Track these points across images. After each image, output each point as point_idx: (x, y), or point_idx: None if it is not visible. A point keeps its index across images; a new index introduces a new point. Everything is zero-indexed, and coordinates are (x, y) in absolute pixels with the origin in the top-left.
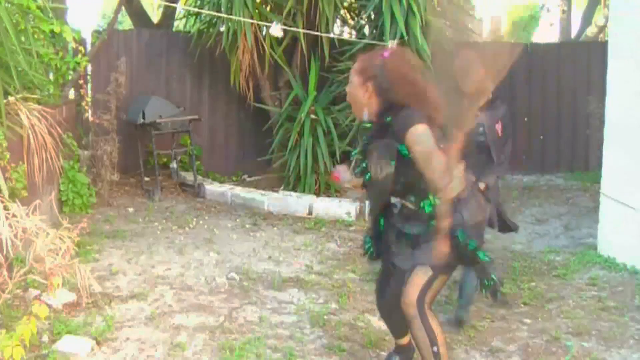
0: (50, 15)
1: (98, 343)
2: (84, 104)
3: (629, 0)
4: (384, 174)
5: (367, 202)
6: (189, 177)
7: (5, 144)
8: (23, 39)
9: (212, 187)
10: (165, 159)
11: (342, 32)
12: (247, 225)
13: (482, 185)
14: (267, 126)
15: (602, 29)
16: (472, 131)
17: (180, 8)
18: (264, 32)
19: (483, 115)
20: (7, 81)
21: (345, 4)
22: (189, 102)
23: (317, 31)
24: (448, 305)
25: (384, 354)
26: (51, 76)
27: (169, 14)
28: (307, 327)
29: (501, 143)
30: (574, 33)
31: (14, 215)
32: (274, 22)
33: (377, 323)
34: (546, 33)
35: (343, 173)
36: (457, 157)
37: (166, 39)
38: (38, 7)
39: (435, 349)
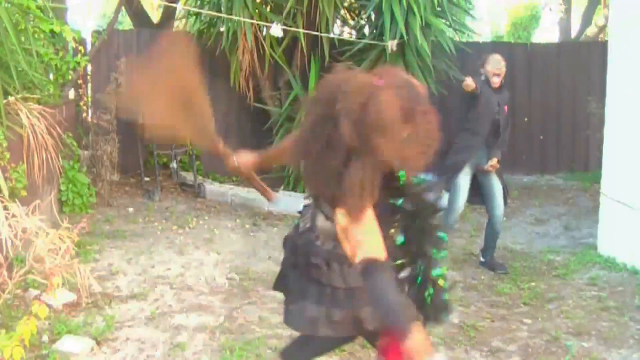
0: (50, 15)
1: (98, 343)
2: (82, 103)
3: (629, 0)
4: None
5: None
6: (189, 177)
7: (5, 144)
8: (23, 39)
9: (212, 187)
10: (165, 159)
11: (342, 32)
12: (247, 225)
13: (494, 161)
14: (267, 126)
15: (602, 29)
16: (491, 109)
17: (180, 8)
18: (264, 32)
19: (497, 96)
20: (7, 81)
21: (345, 4)
22: None
23: (317, 31)
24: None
25: None
26: (51, 76)
27: (169, 14)
28: None
29: (506, 123)
30: (574, 33)
31: (13, 215)
32: (274, 22)
33: None
34: (546, 33)
35: None
36: None
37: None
38: (38, 7)
39: None
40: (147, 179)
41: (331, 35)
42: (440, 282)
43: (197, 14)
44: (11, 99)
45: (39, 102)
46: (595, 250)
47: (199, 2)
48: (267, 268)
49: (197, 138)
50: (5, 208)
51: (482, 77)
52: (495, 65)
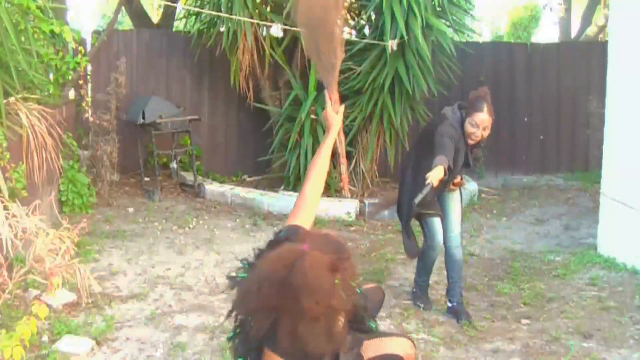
0: (50, 15)
1: (98, 343)
2: (84, 104)
3: (629, 0)
4: None
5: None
6: (189, 177)
7: (5, 144)
8: (23, 39)
9: (212, 187)
10: (165, 159)
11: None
12: (247, 225)
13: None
14: (267, 126)
15: (602, 29)
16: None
17: (180, 8)
18: (264, 32)
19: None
20: (7, 81)
21: (346, 4)
22: (189, 102)
23: None
24: (448, 305)
25: None
26: (51, 76)
27: (169, 14)
28: None
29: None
30: (574, 33)
31: (14, 215)
32: (274, 22)
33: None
34: (546, 33)
35: None
36: None
37: (166, 39)
38: (38, 7)
39: None
40: (147, 179)
41: None
42: None
43: (197, 14)
44: (11, 99)
45: (39, 102)
46: (595, 250)
47: (199, 2)
48: None
49: (323, 74)
50: (5, 208)
51: (458, 117)
52: (472, 129)
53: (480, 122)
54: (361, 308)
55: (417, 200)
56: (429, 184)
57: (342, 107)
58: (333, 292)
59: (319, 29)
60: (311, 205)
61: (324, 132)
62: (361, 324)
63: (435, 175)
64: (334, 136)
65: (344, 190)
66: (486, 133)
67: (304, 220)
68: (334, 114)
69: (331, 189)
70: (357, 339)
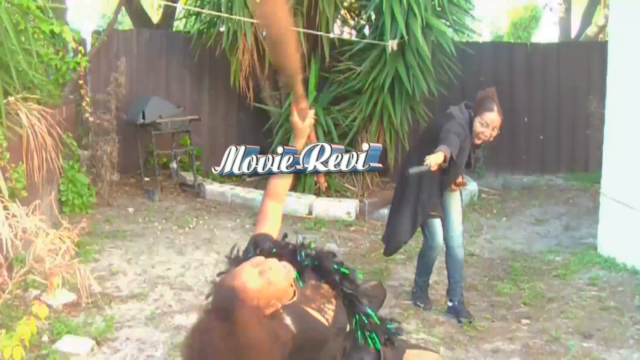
0: (50, 15)
1: (98, 343)
2: (84, 104)
3: (629, 0)
4: None
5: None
6: (189, 177)
7: (5, 144)
8: (23, 39)
9: (212, 187)
10: (165, 159)
11: (342, 32)
12: (247, 225)
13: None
14: (267, 126)
15: (602, 29)
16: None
17: (180, 8)
18: (264, 32)
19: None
20: (7, 81)
21: (345, 4)
22: (189, 102)
23: (317, 31)
24: (449, 304)
25: None
26: (51, 76)
27: (169, 14)
28: None
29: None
30: (574, 33)
31: (14, 215)
32: None
33: None
34: (546, 33)
35: None
36: None
37: (166, 39)
38: (38, 7)
39: None
40: (147, 179)
41: (331, 35)
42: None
43: (197, 14)
44: (11, 99)
45: (39, 102)
46: (595, 250)
47: (199, 2)
48: None
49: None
50: (5, 208)
51: (466, 116)
52: (482, 128)
53: (491, 122)
54: (327, 257)
55: (411, 171)
56: (427, 164)
57: (312, 112)
58: (264, 334)
59: (276, 44)
60: (272, 216)
61: (324, 132)
62: (353, 288)
63: (434, 159)
64: (300, 145)
65: (320, 183)
66: (495, 133)
67: (270, 228)
68: (300, 122)
69: (331, 189)
70: (401, 347)
